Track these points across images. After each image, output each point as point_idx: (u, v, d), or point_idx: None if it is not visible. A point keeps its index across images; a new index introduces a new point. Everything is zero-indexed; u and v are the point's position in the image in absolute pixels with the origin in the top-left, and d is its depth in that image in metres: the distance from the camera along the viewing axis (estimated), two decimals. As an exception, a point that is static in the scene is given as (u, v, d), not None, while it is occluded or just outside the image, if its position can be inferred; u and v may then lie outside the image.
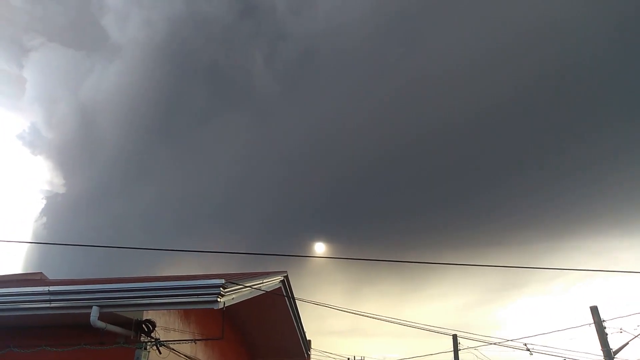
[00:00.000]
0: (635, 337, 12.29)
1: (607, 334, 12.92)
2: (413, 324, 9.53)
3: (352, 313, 8.85)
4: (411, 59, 34.69)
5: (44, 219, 38.02)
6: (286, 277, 10.10)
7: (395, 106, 35.35)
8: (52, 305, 5.81)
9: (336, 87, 37.40)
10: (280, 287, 9.85)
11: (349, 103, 36.77)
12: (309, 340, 14.37)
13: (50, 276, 9.58)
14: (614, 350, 12.80)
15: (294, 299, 10.83)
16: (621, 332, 12.75)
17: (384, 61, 36.27)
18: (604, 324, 12.97)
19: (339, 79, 37.41)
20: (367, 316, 9.00)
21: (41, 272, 9.51)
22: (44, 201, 38.62)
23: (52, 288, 5.88)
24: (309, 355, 14.38)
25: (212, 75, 39.72)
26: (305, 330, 12.86)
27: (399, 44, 35.16)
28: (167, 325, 7.15)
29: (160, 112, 39.28)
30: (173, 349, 7.12)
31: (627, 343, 12.55)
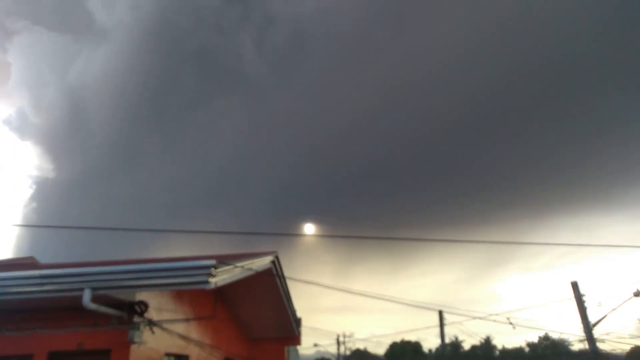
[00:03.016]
0: (613, 310, 12.78)
1: (586, 308, 13.42)
2: (400, 300, 9.82)
3: (341, 291, 9.08)
4: (400, 43, 34.59)
5: (34, 204, 37.65)
6: (277, 257, 10.25)
7: (384, 89, 35.30)
8: (45, 288, 5.85)
9: (325, 70, 37.09)
10: (270, 267, 10.00)
11: (339, 86, 36.59)
12: (300, 318, 14.68)
13: (42, 261, 9.59)
14: (592, 323, 13.33)
15: (284, 278, 11.03)
16: (600, 305, 13.25)
17: (372, 44, 36.02)
18: (584, 298, 13.46)
19: (328, 62, 37.10)
20: (356, 294, 9.25)
21: (32, 257, 9.51)
22: (34, 186, 38.15)
23: (43, 272, 5.91)
24: (299, 332, 14.71)
25: (201, 60, 39.07)
26: (295, 308, 13.15)
27: (388, 26, 34.93)
28: (159, 305, 7.27)
29: (151, 96, 38.74)
30: (166, 329, 7.27)
31: (605, 316, 13.06)
